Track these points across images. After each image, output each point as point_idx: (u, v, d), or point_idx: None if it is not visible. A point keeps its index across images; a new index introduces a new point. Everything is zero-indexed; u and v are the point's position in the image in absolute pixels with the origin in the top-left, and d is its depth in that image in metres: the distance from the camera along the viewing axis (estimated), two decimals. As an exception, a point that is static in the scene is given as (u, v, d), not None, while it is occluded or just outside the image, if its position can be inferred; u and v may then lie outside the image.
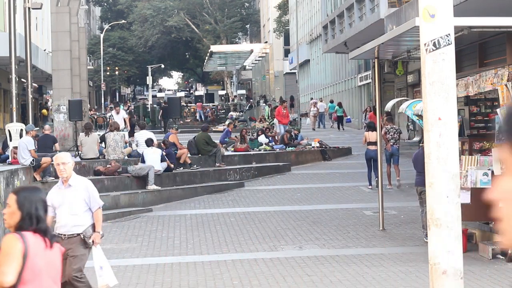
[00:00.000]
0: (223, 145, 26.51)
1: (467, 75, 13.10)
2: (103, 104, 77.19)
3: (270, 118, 39.63)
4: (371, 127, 20.95)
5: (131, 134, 25.08)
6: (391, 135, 21.03)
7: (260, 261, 12.40)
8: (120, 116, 29.57)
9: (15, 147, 18.39)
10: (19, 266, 4.86)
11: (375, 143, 18.98)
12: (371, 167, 20.64)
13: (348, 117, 47.01)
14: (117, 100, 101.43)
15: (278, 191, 21.52)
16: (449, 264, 6.24)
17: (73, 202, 9.05)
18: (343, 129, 44.70)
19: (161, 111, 48.55)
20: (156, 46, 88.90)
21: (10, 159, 18.74)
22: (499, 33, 17.73)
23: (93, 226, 9.21)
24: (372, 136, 20.27)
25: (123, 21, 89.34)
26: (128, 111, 46.59)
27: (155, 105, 55.37)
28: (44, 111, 53.34)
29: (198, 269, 11.95)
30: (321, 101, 52.01)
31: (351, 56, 16.78)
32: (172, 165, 21.12)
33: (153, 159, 20.30)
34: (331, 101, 48.96)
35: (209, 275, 11.47)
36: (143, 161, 20.30)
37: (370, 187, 20.91)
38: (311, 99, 52.25)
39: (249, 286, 10.73)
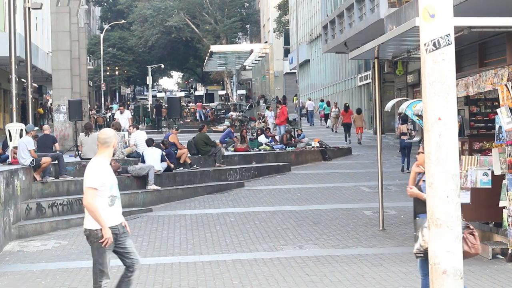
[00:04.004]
0: (223, 145, 26.52)
1: (467, 75, 13.08)
2: (103, 104, 77.22)
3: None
4: (404, 120, 24.26)
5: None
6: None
7: (260, 261, 12.40)
8: (124, 116, 29.62)
9: (15, 147, 18.38)
10: None
11: (405, 134, 23.74)
12: (405, 154, 24.09)
13: None
14: (117, 100, 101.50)
15: (278, 191, 21.52)
16: (449, 264, 6.23)
17: None
18: (327, 127, 46.89)
19: (154, 109, 48.57)
20: (156, 46, 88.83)
21: (10, 159, 18.74)
22: (499, 33, 17.71)
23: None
24: (403, 128, 24.08)
25: (123, 21, 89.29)
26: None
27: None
28: (40, 109, 53.36)
29: (198, 269, 11.96)
30: (310, 100, 54.72)
31: (351, 56, 16.77)
32: (172, 165, 21.12)
33: (153, 159, 20.31)
34: (322, 100, 51.65)
35: (209, 275, 11.47)
36: (143, 161, 20.31)
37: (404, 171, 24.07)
38: (297, 99, 53.49)
39: (249, 286, 10.73)
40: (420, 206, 8.37)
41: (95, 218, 7.95)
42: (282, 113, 36.53)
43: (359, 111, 36.37)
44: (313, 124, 49.99)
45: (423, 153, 8.33)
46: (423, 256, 8.12)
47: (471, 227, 8.16)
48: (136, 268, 8.39)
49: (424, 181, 8.20)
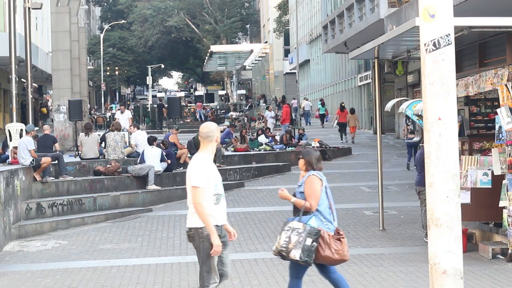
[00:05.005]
0: (223, 145, 26.52)
1: (467, 75, 13.08)
2: (103, 104, 77.30)
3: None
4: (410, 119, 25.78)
5: None
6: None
7: (260, 261, 12.40)
8: (125, 116, 29.56)
9: (15, 147, 18.39)
10: None
11: (411, 132, 24.08)
12: (411, 153, 24.01)
13: (329, 115, 50.67)
14: (117, 100, 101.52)
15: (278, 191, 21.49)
16: (449, 264, 6.24)
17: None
18: (323, 126, 47.41)
19: (156, 109, 48.64)
20: (156, 46, 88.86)
21: (10, 159, 18.74)
22: (499, 33, 17.72)
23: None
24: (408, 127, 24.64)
25: (123, 21, 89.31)
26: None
27: (154, 105, 55.44)
28: (44, 109, 53.49)
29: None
30: (307, 100, 54.67)
31: (351, 56, 16.77)
32: (168, 161, 20.92)
33: (153, 159, 20.29)
34: (321, 100, 52.12)
35: (209, 275, 11.45)
36: (142, 160, 20.26)
37: (409, 164, 24.40)
38: (294, 98, 53.99)
39: (249, 286, 10.73)
40: (294, 210, 8.41)
41: (204, 221, 7.43)
42: (283, 113, 37.03)
43: (352, 111, 36.92)
44: (310, 124, 50.15)
45: (301, 158, 8.41)
46: (280, 257, 8.20)
47: (341, 232, 8.17)
48: (223, 280, 7.72)
49: (299, 185, 8.29)
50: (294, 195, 8.32)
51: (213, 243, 7.44)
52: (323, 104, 49.48)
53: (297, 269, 8.29)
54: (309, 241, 7.98)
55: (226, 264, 7.75)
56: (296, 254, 7.99)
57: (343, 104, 38.88)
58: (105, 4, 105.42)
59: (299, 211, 8.22)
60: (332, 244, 8.02)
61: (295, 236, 8.04)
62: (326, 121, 49.37)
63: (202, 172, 7.41)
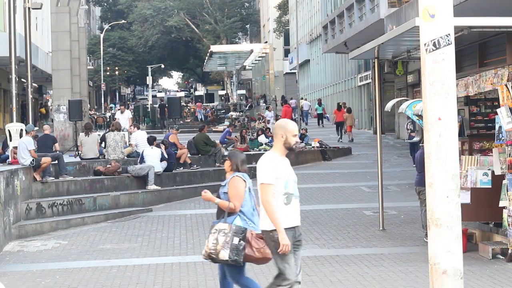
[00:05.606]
0: (223, 145, 26.52)
1: (467, 75, 13.09)
2: (103, 104, 77.30)
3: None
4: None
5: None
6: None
7: (259, 261, 12.38)
8: (125, 116, 29.54)
9: (15, 147, 18.39)
10: None
11: (413, 131, 24.82)
12: (413, 150, 24.36)
13: (327, 115, 51.26)
14: (117, 100, 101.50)
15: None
16: (449, 264, 6.23)
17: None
18: (323, 126, 47.54)
19: (159, 109, 48.67)
20: (156, 46, 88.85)
21: (10, 159, 18.74)
22: (499, 33, 17.72)
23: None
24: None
25: (123, 21, 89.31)
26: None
27: (155, 105, 55.43)
28: (43, 109, 53.51)
29: (198, 269, 11.95)
30: (305, 99, 55.87)
31: (351, 56, 16.77)
32: (166, 156, 20.88)
33: (153, 159, 20.29)
34: (318, 100, 52.75)
35: (209, 275, 11.46)
36: (142, 160, 20.25)
37: (414, 165, 24.05)
38: (291, 98, 54.18)
39: (249, 286, 10.72)
40: (217, 212, 8.40)
41: (271, 218, 7.21)
42: (283, 113, 37.18)
43: (349, 110, 37.34)
44: (307, 124, 50.24)
45: (226, 160, 8.43)
46: (210, 260, 8.21)
47: None
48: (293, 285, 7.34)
49: (222, 186, 8.30)
50: (218, 196, 8.32)
51: (280, 242, 7.19)
52: (320, 104, 49.65)
53: (233, 272, 8.32)
54: (236, 240, 7.97)
55: (295, 265, 7.40)
56: (225, 255, 7.99)
57: (340, 104, 39.22)
58: (105, 4, 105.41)
59: (223, 213, 8.22)
60: (252, 242, 7.97)
61: (222, 237, 8.03)
62: (328, 120, 49.52)
63: (270, 169, 7.26)
